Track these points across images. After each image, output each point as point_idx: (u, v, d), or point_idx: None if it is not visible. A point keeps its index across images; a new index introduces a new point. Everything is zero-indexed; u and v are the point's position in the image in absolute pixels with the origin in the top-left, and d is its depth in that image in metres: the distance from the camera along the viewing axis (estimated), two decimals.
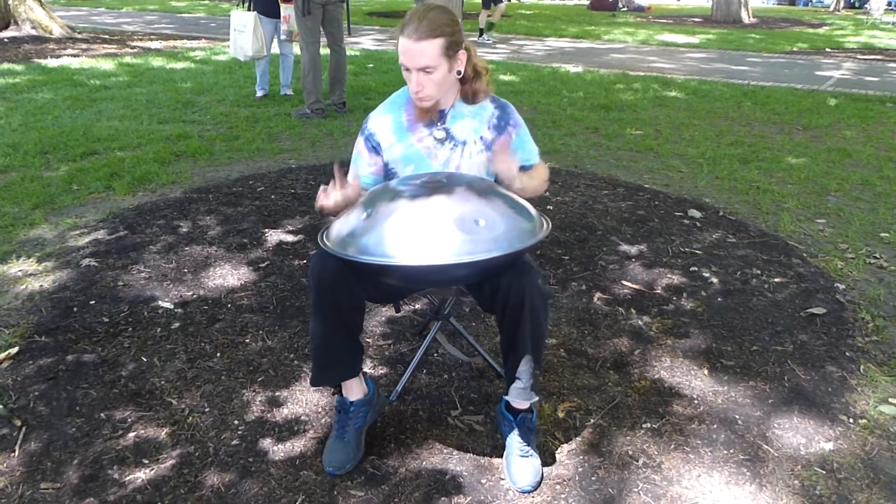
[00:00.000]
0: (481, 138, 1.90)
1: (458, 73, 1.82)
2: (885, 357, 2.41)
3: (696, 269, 3.07)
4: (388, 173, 1.93)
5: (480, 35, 11.73)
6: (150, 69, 8.05)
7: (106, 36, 11.44)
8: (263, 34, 6.15)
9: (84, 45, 10.10)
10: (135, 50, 9.80)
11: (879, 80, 8.46)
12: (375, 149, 1.92)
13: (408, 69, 1.74)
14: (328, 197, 1.71)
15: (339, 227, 1.64)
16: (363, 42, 11.36)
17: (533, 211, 1.69)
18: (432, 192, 1.60)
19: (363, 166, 1.94)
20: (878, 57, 10.87)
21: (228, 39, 6.35)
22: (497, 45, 11.37)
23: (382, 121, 1.91)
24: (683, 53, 10.79)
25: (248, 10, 6.14)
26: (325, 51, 5.77)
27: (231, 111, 6.00)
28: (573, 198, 3.96)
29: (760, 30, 15.16)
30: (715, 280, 2.97)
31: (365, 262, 1.52)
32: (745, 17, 17.11)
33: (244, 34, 6.08)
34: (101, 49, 9.78)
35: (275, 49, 6.56)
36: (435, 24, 1.69)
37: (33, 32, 10.93)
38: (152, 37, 11.48)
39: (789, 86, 7.82)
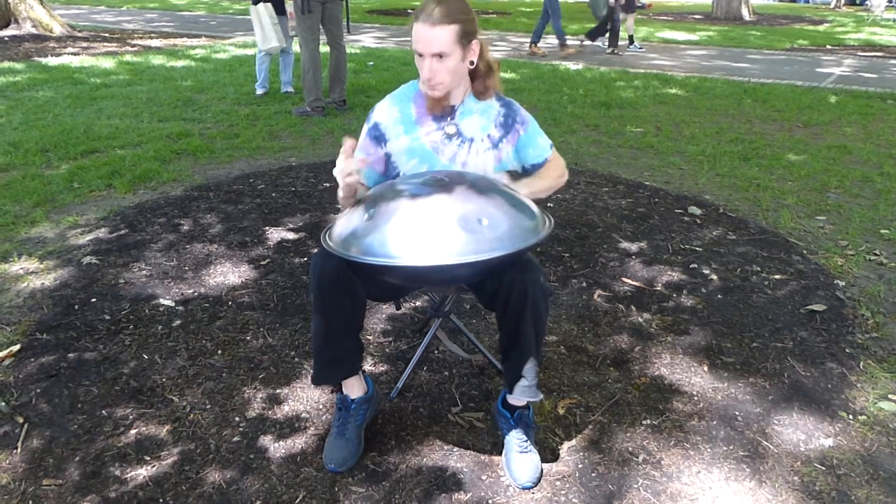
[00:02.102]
0: (489, 136, 1.90)
1: (471, 62, 1.81)
2: (884, 353, 2.41)
3: (696, 266, 3.07)
4: (389, 166, 1.93)
5: (631, 43, 10.42)
6: (151, 67, 8.05)
7: (106, 34, 11.44)
8: (268, 29, 6.17)
9: (84, 44, 10.10)
10: (135, 48, 9.79)
11: (880, 76, 8.45)
12: (378, 139, 1.91)
13: (421, 55, 1.73)
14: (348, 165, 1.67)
15: (342, 228, 1.64)
16: (363, 40, 11.35)
17: (535, 208, 1.69)
18: (434, 191, 1.60)
19: (362, 156, 1.93)
20: (879, 54, 10.85)
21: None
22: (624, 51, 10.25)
23: (389, 112, 1.90)
24: (684, 50, 10.77)
25: (254, 3, 6.14)
26: (324, 49, 5.77)
27: (231, 109, 6.01)
28: (573, 195, 3.97)
29: (761, 27, 15.14)
30: (715, 277, 2.97)
31: (369, 262, 1.53)
32: (746, 14, 17.08)
33: (278, 26, 6.11)
34: (101, 47, 9.78)
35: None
36: (450, 10, 1.69)
37: (34, 31, 10.93)
38: (152, 35, 11.48)
39: (790, 83, 7.82)
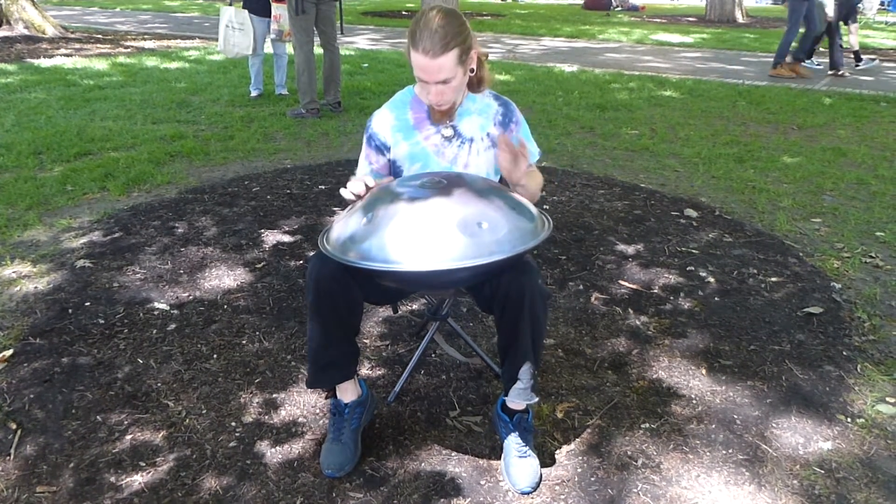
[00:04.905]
0: (488, 135, 1.90)
1: (472, 70, 1.81)
2: (882, 356, 2.41)
3: (692, 268, 3.07)
4: (394, 171, 1.93)
5: (858, 61, 9.05)
6: (144, 69, 8.02)
7: (99, 35, 11.39)
8: (255, 33, 6.14)
9: (77, 45, 10.05)
10: (128, 50, 9.75)
11: (873, 79, 8.48)
12: (379, 148, 1.91)
13: (425, 81, 1.73)
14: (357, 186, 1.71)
15: (340, 231, 1.62)
16: (358, 41, 11.34)
17: (534, 210, 1.68)
18: (432, 195, 1.59)
19: (366, 165, 1.95)
20: (872, 56, 10.89)
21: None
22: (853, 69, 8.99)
23: (386, 120, 1.91)
24: (678, 53, 10.80)
25: (242, 7, 6.12)
26: (318, 50, 5.75)
27: (226, 111, 5.98)
28: (570, 197, 3.96)
29: (754, 29, 15.19)
30: (712, 279, 2.97)
31: (368, 267, 1.51)
32: (740, 17, 17.14)
33: (242, 32, 6.06)
34: (94, 49, 9.74)
35: (269, 49, 6.54)
36: (448, 35, 1.66)
37: (26, 32, 10.88)
38: (146, 36, 11.43)
39: (784, 85, 7.84)
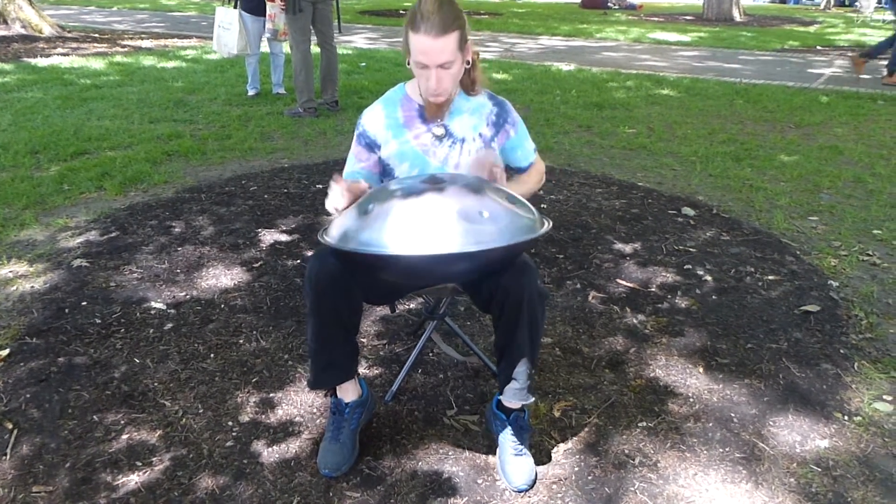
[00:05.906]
0: (480, 135, 1.89)
1: (468, 62, 1.80)
2: (878, 354, 2.41)
3: (690, 267, 3.07)
4: (384, 170, 1.92)
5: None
6: (141, 68, 8.00)
7: (96, 35, 11.37)
8: (249, 32, 6.12)
9: (74, 44, 10.03)
10: (125, 49, 9.73)
11: (871, 77, 8.49)
12: (370, 146, 1.90)
13: (425, 66, 1.70)
14: (336, 200, 1.70)
15: (340, 225, 1.62)
16: (356, 41, 11.33)
17: (533, 209, 1.68)
18: (432, 189, 1.59)
19: (355, 162, 1.93)
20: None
21: None
22: None
23: (377, 118, 1.90)
24: (675, 51, 10.80)
25: (234, 7, 6.11)
26: (315, 49, 5.75)
27: (223, 110, 5.97)
28: (567, 196, 3.96)
29: (752, 28, 15.20)
30: (709, 278, 2.97)
31: (370, 253, 1.50)
32: (737, 15, 17.14)
33: (229, 32, 6.05)
34: (91, 48, 9.72)
35: (265, 48, 6.53)
36: (449, 17, 1.66)
37: (23, 31, 10.85)
38: (143, 35, 11.41)
39: (781, 83, 7.84)
